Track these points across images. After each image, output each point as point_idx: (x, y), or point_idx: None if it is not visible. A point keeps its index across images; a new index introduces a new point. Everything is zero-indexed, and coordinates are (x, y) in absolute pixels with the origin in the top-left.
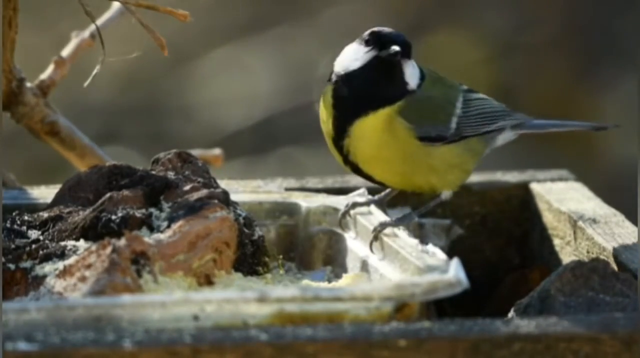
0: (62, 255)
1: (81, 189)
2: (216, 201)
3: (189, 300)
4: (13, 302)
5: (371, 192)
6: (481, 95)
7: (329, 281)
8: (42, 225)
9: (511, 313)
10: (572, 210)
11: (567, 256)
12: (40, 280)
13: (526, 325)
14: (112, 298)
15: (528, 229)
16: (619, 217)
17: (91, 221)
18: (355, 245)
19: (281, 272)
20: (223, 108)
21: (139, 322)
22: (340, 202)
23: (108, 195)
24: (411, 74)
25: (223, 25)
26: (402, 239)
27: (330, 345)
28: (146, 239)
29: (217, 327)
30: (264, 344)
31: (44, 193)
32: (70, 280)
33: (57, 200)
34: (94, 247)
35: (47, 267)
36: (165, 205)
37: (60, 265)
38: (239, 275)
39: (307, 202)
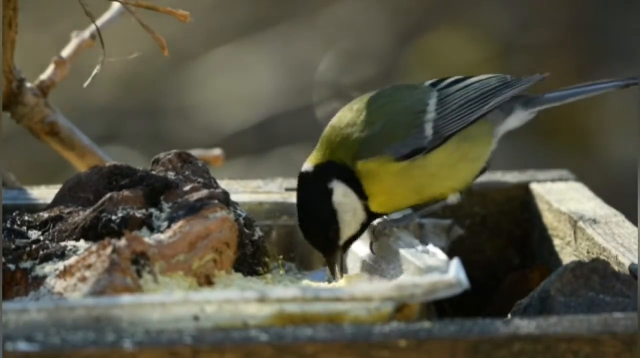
0: (62, 255)
1: (81, 189)
2: (216, 201)
3: (189, 300)
4: (13, 302)
5: None
6: (466, 82)
7: (329, 281)
8: (42, 226)
9: (511, 314)
10: (572, 210)
11: (567, 256)
12: (40, 280)
13: (526, 326)
14: (112, 298)
15: (528, 229)
16: (619, 217)
17: (91, 221)
18: (355, 245)
19: (281, 272)
20: (223, 108)
21: (139, 323)
22: None
23: (108, 195)
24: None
25: (223, 25)
26: (402, 239)
27: (330, 345)
28: (146, 239)
29: (217, 328)
30: (264, 345)
31: (44, 193)
32: (71, 280)
33: (57, 200)
34: (94, 247)
35: (47, 267)
36: (166, 206)
37: (60, 265)
38: (239, 275)
39: None
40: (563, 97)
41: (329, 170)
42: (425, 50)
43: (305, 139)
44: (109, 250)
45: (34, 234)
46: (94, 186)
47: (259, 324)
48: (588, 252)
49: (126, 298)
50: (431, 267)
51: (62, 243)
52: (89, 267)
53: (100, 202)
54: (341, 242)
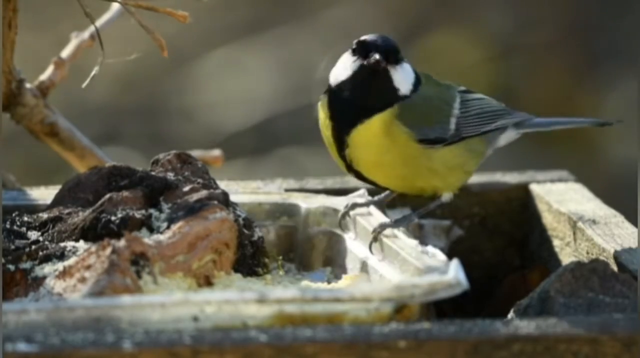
0: (61, 256)
1: (81, 190)
2: (216, 202)
3: (189, 301)
4: (13, 303)
5: (371, 193)
6: (479, 95)
7: (329, 282)
8: (42, 226)
9: (511, 314)
10: (571, 211)
11: (566, 257)
12: (39, 281)
13: (526, 326)
14: (112, 299)
15: (528, 230)
16: (619, 218)
17: (91, 222)
18: (355, 246)
19: (281, 273)
20: (223, 109)
21: (138, 323)
22: (339, 203)
23: (108, 196)
24: (402, 79)
25: (223, 26)
26: (402, 240)
27: (329, 346)
28: (146, 240)
29: (217, 328)
30: (264, 345)
31: (44, 194)
32: (70, 281)
33: (57, 201)
34: (93, 248)
35: (47, 268)
36: (165, 206)
37: (59, 266)
38: (239, 276)
39: (306, 203)
40: (549, 124)
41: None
42: (425, 50)
43: (305, 139)
44: (108, 250)
45: (33, 235)
46: (94, 187)
47: (258, 325)
48: (588, 253)
49: (126, 299)
50: (431, 267)
51: (62, 244)
52: (88, 267)
53: (99, 202)
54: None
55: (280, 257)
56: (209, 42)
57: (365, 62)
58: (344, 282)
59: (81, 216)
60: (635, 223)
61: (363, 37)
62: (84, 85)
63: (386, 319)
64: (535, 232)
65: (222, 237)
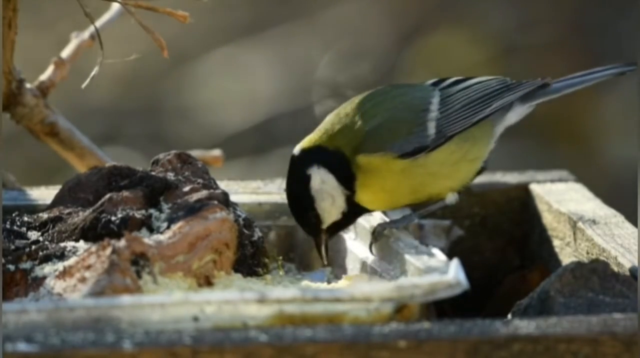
0: (61, 256)
1: (81, 190)
2: (216, 202)
3: (189, 301)
4: (13, 303)
5: None
6: (469, 82)
7: (329, 282)
8: (42, 226)
9: (511, 314)
10: (572, 211)
11: (566, 257)
12: (40, 281)
13: (526, 326)
14: (112, 299)
15: (528, 230)
16: (619, 218)
17: (91, 222)
18: (355, 246)
19: (281, 273)
20: (223, 109)
21: (138, 323)
22: None
23: (108, 196)
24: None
25: (223, 26)
26: (402, 240)
27: (330, 346)
28: (146, 240)
29: (217, 328)
30: (264, 345)
31: (44, 194)
32: (70, 281)
33: (57, 201)
34: (93, 248)
35: (47, 268)
36: (165, 206)
37: (60, 266)
38: (239, 276)
39: None
40: (561, 89)
41: (312, 156)
42: (425, 50)
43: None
44: (108, 250)
45: (33, 235)
46: (94, 187)
47: (258, 325)
48: (588, 253)
49: (126, 299)
50: (431, 267)
51: (62, 244)
52: (88, 267)
53: (99, 202)
54: (324, 226)
55: (280, 257)
56: (209, 42)
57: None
58: (344, 282)
59: (81, 216)
60: (635, 223)
61: None
62: (84, 85)
63: (386, 319)
64: (535, 232)
65: (222, 237)
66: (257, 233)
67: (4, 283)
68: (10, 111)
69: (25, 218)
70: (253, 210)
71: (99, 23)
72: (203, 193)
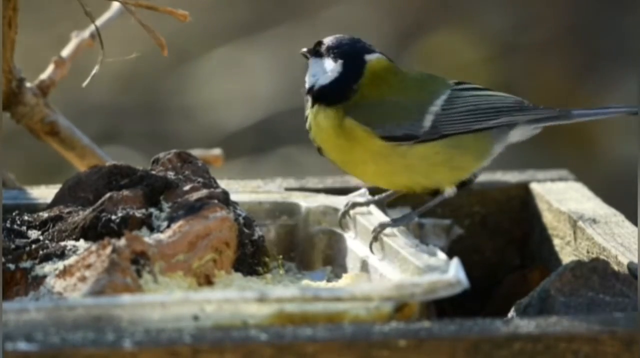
0: (62, 255)
1: (81, 189)
2: (216, 201)
3: (189, 300)
4: (13, 302)
5: (372, 192)
6: (482, 92)
7: (329, 281)
8: (42, 225)
9: (511, 313)
10: (572, 210)
11: (567, 256)
12: (40, 280)
13: (526, 325)
14: (112, 298)
15: (528, 229)
16: (619, 217)
17: (91, 221)
18: (355, 245)
19: (281, 272)
20: (223, 108)
21: (138, 322)
22: (340, 202)
23: (108, 195)
24: (315, 71)
25: (223, 25)
26: (402, 239)
27: (330, 345)
28: (146, 239)
29: (217, 327)
30: (264, 344)
31: (44, 193)
32: (70, 280)
33: (57, 200)
34: (93, 247)
35: (47, 267)
36: (165, 205)
37: (60, 265)
38: (239, 275)
39: (306, 202)
40: (573, 116)
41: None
42: (425, 50)
43: (306, 138)
44: (108, 250)
45: (33, 234)
46: (94, 186)
47: (258, 324)
48: (588, 252)
49: (126, 298)
50: (431, 266)
51: (62, 243)
52: (88, 266)
53: (100, 201)
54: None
55: (281, 256)
56: (209, 41)
57: None
58: (344, 281)
59: (81, 215)
60: (635, 223)
61: None
62: (84, 84)
63: (386, 318)
64: (535, 231)
65: (222, 236)
66: (257, 233)
67: (4, 282)
68: (11, 110)
69: (26, 218)
70: (253, 209)
71: (99, 22)
72: (203, 192)
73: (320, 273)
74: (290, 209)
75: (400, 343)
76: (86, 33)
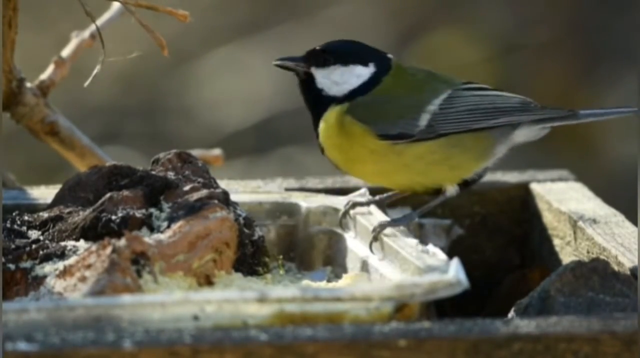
0: (62, 255)
1: (81, 189)
2: (216, 201)
3: (189, 300)
4: (13, 302)
5: (372, 192)
6: (487, 92)
7: (329, 281)
8: (42, 226)
9: (511, 314)
10: (572, 210)
11: (567, 256)
12: (40, 280)
13: (526, 326)
14: (112, 298)
15: (528, 229)
16: (619, 217)
17: (91, 221)
18: (355, 245)
19: (281, 272)
20: (223, 108)
21: (139, 322)
22: (340, 202)
23: (108, 195)
24: (331, 81)
25: (223, 25)
26: (402, 239)
27: (330, 345)
28: (146, 239)
29: (217, 327)
30: (264, 344)
31: (44, 193)
32: (70, 280)
33: (57, 200)
34: (94, 247)
35: (47, 267)
36: (165, 206)
37: (60, 265)
38: (239, 275)
39: (307, 202)
40: (581, 117)
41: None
42: (425, 50)
43: (305, 139)
44: (108, 250)
45: (34, 234)
46: (94, 186)
47: (258, 324)
48: (588, 252)
49: (126, 298)
50: (431, 266)
51: (62, 243)
52: (88, 267)
53: (100, 202)
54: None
55: (281, 256)
56: (210, 41)
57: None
58: (344, 281)
59: (81, 215)
60: (635, 223)
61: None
62: (86, 84)
63: (386, 318)
64: (535, 231)
65: (222, 236)
66: (258, 233)
67: (4, 282)
68: (11, 110)
69: (26, 218)
70: (253, 209)
71: (99, 22)
72: (203, 192)
73: (320, 273)
74: (290, 209)
75: (400, 344)
76: (86, 33)
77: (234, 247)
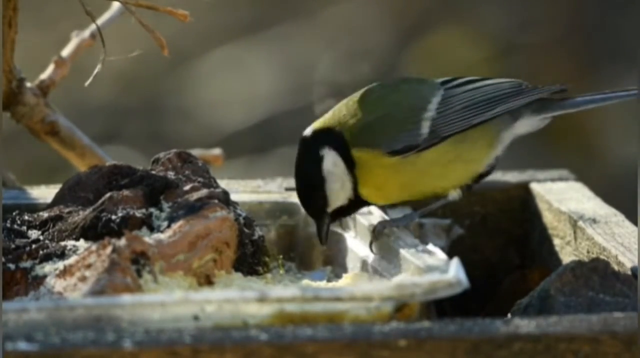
0: (62, 255)
1: (81, 189)
2: (216, 201)
3: (189, 300)
4: (13, 302)
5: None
6: (476, 84)
7: (329, 281)
8: (42, 225)
9: (511, 314)
10: (572, 210)
11: (567, 256)
12: (40, 280)
13: (526, 325)
14: (112, 298)
15: (528, 229)
16: (619, 217)
17: (91, 221)
18: (355, 245)
19: (281, 272)
20: (223, 108)
21: (139, 322)
22: None
23: (108, 195)
24: (335, 195)
25: (223, 25)
26: (402, 239)
27: (330, 345)
28: (146, 239)
29: (217, 327)
30: (264, 344)
31: (44, 193)
32: (70, 280)
33: (57, 200)
34: (94, 247)
35: (47, 267)
36: (166, 205)
37: (60, 265)
38: (239, 275)
39: None
40: (580, 104)
41: (324, 138)
42: (425, 50)
43: None
44: (109, 249)
45: (34, 234)
46: (94, 186)
47: (258, 324)
48: (588, 252)
49: (126, 298)
50: (431, 266)
51: (62, 243)
52: (88, 266)
53: (100, 201)
54: (329, 209)
55: (281, 256)
56: (209, 41)
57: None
58: (344, 281)
59: (82, 215)
60: (635, 223)
61: None
62: (86, 83)
63: (386, 318)
64: (535, 231)
65: (222, 236)
66: (258, 232)
67: (4, 282)
68: (11, 110)
69: (26, 217)
70: (253, 209)
71: (99, 22)
72: (203, 192)
73: (320, 273)
74: (290, 209)
75: (400, 343)
76: (86, 33)
77: (234, 246)
